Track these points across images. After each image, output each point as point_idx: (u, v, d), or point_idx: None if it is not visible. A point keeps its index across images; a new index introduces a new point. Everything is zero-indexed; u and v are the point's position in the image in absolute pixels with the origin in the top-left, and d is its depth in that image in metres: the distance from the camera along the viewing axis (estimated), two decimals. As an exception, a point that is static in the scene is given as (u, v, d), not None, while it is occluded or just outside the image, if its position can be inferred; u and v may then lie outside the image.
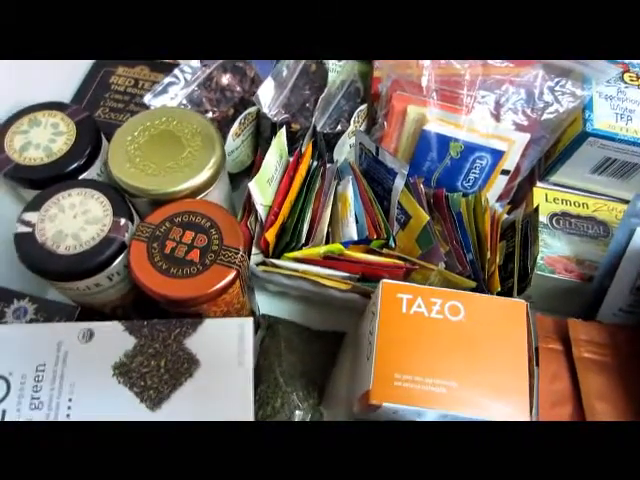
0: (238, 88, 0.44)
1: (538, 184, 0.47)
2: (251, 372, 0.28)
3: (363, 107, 0.46)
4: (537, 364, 0.37)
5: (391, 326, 0.30)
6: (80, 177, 0.38)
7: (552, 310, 0.44)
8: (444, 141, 0.41)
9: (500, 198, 0.45)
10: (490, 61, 0.40)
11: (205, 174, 0.36)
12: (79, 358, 0.28)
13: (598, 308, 0.41)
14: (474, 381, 0.29)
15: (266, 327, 0.43)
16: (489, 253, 0.39)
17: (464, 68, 0.40)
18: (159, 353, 0.28)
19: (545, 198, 0.46)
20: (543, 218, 0.44)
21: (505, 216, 0.43)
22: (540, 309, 0.45)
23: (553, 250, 0.43)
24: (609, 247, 0.40)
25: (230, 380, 0.27)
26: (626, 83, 0.43)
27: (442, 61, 0.40)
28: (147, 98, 0.41)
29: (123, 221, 0.34)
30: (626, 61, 0.45)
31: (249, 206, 0.40)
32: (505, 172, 0.43)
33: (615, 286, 0.40)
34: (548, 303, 0.44)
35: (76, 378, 0.27)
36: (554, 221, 0.44)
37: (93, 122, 0.40)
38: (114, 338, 0.29)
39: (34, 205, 0.34)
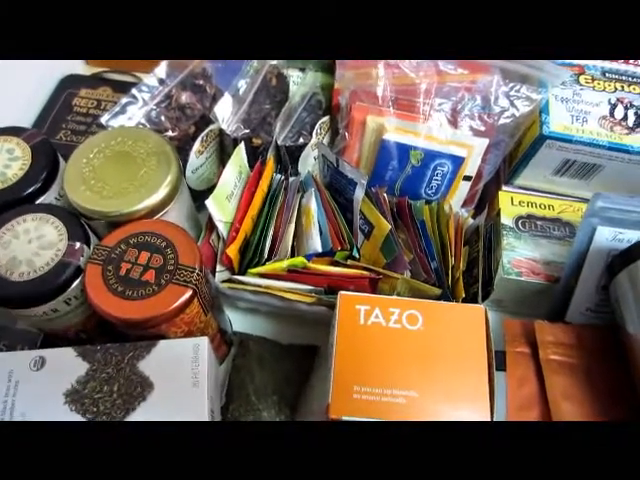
0: (199, 106, 0.44)
1: (503, 188, 0.47)
2: (206, 393, 0.27)
3: (325, 119, 0.46)
4: (505, 368, 0.37)
5: (349, 338, 0.30)
6: (37, 201, 0.38)
7: (523, 313, 0.44)
8: (404, 150, 0.41)
9: (465, 204, 0.45)
10: (444, 69, 0.40)
11: (161, 193, 0.35)
12: (30, 387, 0.27)
13: (567, 309, 0.41)
14: (434, 390, 0.29)
15: (238, 344, 0.43)
16: (453, 260, 0.39)
17: (419, 77, 0.40)
18: (112, 378, 0.28)
19: (511, 201, 0.46)
20: (509, 221, 0.44)
21: (471, 221, 0.43)
22: (512, 312, 0.46)
23: (520, 253, 0.43)
24: (572, 248, 0.40)
25: (184, 402, 0.27)
26: (581, 85, 0.43)
27: (397, 70, 0.40)
28: (104, 119, 0.41)
29: (78, 245, 0.34)
30: (582, 63, 0.45)
31: (211, 224, 0.39)
32: (467, 178, 0.43)
33: (581, 286, 0.40)
34: (519, 306, 0.44)
35: (26, 408, 0.27)
36: (520, 224, 0.44)
37: (49, 146, 0.39)
38: (66, 364, 0.28)
39: (-12, 232, 0.34)
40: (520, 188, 0.47)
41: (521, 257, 0.43)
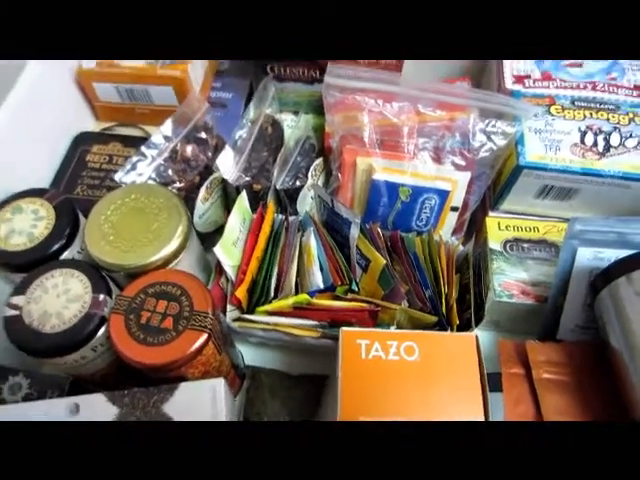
0: (202, 156, 0.48)
1: (490, 214, 0.50)
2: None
3: (319, 161, 0.50)
4: (501, 389, 0.40)
5: (353, 372, 0.33)
6: (61, 257, 0.42)
7: (519, 332, 0.46)
8: (393, 187, 0.45)
9: (454, 232, 0.48)
10: (424, 111, 0.44)
11: (174, 244, 0.39)
12: (67, 432, 0.30)
13: (558, 326, 0.44)
14: (434, 414, 0.32)
15: (250, 377, 0.46)
16: (446, 288, 0.42)
17: (401, 120, 0.43)
18: (140, 420, 0.31)
19: (498, 226, 0.49)
20: (497, 246, 0.47)
21: (461, 248, 0.47)
22: (508, 332, 0.48)
23: (509, 275, 0.46)
24: (556, 268, 0.43)
25: (206, 438, 0.30)
26: (553, 115, 0.47)
27: (380, 116, 0.44)
28: (118, 176, 0.45)
29: (102, 297, 0.37)
30: (552, 93, 0.49)
31: (220, 268, 0.43)
32: (454, 209, 0.46)
33: (568, 305, 0.43)
34: (514, 326, 0.47)
35: (65, 451, 0.30)
36: (508, 247, 0.47)
37: (70, 204, 0.43)
38: (98, 409, 0.31)
39: (20, 289, 0.37)
40: (506, 213, 0.50)
41: (511, 279, 0.45)
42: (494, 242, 0.47)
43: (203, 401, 0.31)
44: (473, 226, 0.50)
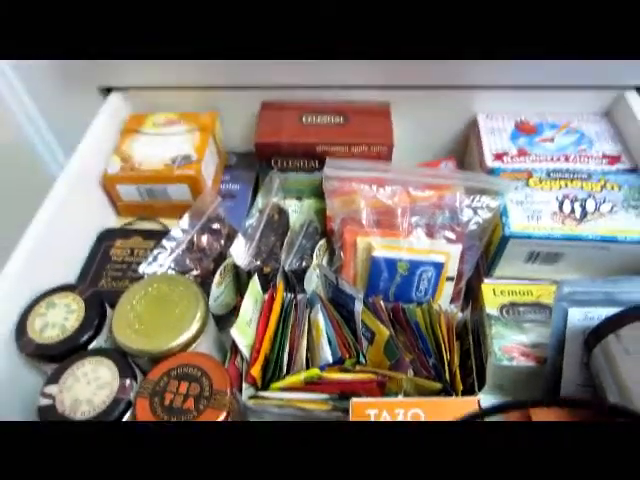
0: (215, 245, 0.53)
1: (485, 281, 0.53)
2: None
3: (322, 242, 0.54)
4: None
5: (363, 439, 0.35)
6: (90, 345, 0.45)
7: (523, 395, 0.48)
8: (391, 262, 0.49)
9: (452, 300, 0.51)
10: (414, 193, 0.49)
11: (193, 328, 0.43)
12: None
13: (559, 387, 0.45)
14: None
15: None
16: (448, 355, 0.44)
17: (394, 202, 0.48)
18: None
19: (493, 292, 0.52)
20: (494, 311, 0.50)
21: (460, 315, 0.50)
22: (513, 395, 0.50)
23: (508, 339, 0.48)
24: (550, 330, 0.45)
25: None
26: (531, 187, 0.52)
27: (374, 198, 0.49)
28: (141, 268, 0.49)
29: (128, 382, 0.40)
30: (529, 167, 0.54)
31: (235, 348, 0.46)
32: (450, 279, 0.50)
33: (566, 364, 0.45)
34: (517, 388, 0.48)
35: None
36: (504, 312, 0.50)
37: (99, 296, 0.47)
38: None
39: (53, 378, 0.41)
40: (500, 279, 0.53)
41: (510, 343, 0.48)
42: (491, 307, 0.50)
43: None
44: (470, 293, 0.53)
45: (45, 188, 0.55)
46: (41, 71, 0.65)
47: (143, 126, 0.64)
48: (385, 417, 0.36)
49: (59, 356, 0.43)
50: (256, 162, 0.64)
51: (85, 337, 0.45)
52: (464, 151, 0.65)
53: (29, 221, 0.51)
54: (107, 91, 0.67)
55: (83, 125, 0.61)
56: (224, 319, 0.56)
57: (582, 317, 0.45)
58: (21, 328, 0.45)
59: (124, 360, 0.42)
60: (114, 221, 0.66)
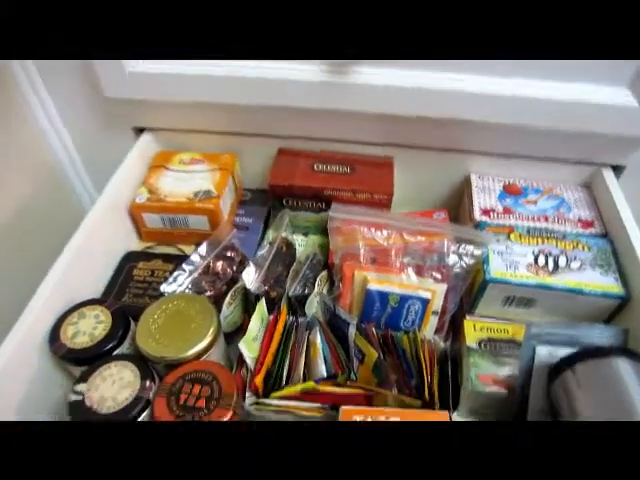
0: (228, 270, 0.60)
1: (467, 317, 0.60)
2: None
3: (324, 273, 0.61)
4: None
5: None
6: (115, 352, 0.51)
7: (495, 418, 0.53)
8: (384, 295, 0.55)
9: (437, 331, 0.58)
10: (407, 237, 0.56)
11: (206, 341, 0.49)
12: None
13: (526, 411, 0.51)
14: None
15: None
16: (429, 378, 0.50)
17: (389, 244, 0.56)
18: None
19: (474, 328, 0.58)
20: (473, 344, 0.56)
21: (442, 345, 0.56)
22: (486, 418, 0.55)
23: (483, 369, 0.54)
24: (520, 364, 0.51)
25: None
26: (512, 241, 0.59)
27: (372, 239, 0.56)
28: (163, 287, 0.56)
29: (148, 383, 0.46)
30: (512, 224, 0.61)
31: (241, 360, 0.52)
32: (435, 313, 0.56)
33: (532, 393, 0.50)
34: (490, 412, 0.54)
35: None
36: (482, 345, 0.56)
37: (124, 311, 0.54)
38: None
39: (83, 378, 0.47)
40: (480, 316, 0.60)
41: (485, 372, 0.54)
42: (471, 341, 0.56)
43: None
44: (454, 325, 0.60)
45: (74, 212, 0.62)
46: (83, 108, 0.73)
47: (170, 163, 0.72)
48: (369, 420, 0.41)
49: (86, 360, 0.49)
50: (268, 199, 0.71)
51: (110, 345, 0.51)
52: (458, 204, 0.73)
53: (65, 242, 0.58)
54: (140, 131, 0.75)
55: (114, 159, 0.69)
56: (231, 335, 0.62)
57: (547, 354, 0.51)
58: (55, 334, 0.51)
59: (145, 365, 0.48)
60: (137, 244, 0.73)
